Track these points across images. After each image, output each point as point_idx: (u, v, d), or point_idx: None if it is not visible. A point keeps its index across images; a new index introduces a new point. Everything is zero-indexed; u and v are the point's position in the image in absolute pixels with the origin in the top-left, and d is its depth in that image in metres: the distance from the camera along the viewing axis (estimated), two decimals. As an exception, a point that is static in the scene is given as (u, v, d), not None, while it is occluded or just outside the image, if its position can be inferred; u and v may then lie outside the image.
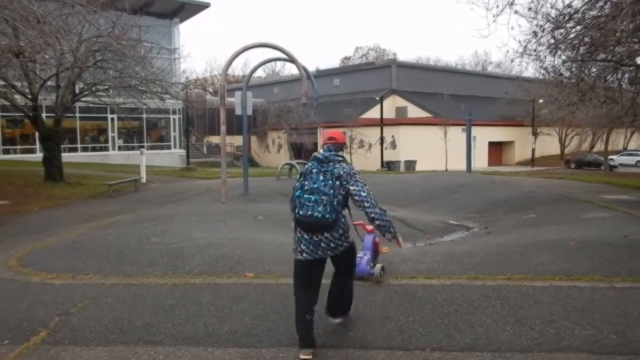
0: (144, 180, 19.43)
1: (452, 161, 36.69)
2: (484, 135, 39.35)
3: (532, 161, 45.79)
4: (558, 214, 10.64)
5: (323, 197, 4.14)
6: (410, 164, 37.79)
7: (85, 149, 32.47)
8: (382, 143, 37.72)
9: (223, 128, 12.60)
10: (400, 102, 47.35)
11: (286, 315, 4.68)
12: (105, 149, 33.19)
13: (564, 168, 44.65)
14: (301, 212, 4.19)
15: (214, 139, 48.33)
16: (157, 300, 5.25)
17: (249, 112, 14.05)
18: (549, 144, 50.07)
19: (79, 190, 16.75)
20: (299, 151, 40.37)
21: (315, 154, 4.42)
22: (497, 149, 48.72)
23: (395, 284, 5.50)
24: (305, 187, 4.23)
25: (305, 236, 4.24)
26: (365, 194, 4.24)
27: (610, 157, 44.72)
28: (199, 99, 44.96)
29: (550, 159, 49.68)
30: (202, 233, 8.30)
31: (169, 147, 36.16)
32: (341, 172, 4.26)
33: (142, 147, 33.18)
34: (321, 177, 4.22)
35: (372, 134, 39.22)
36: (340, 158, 4.39)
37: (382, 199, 12.07)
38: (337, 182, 4.22)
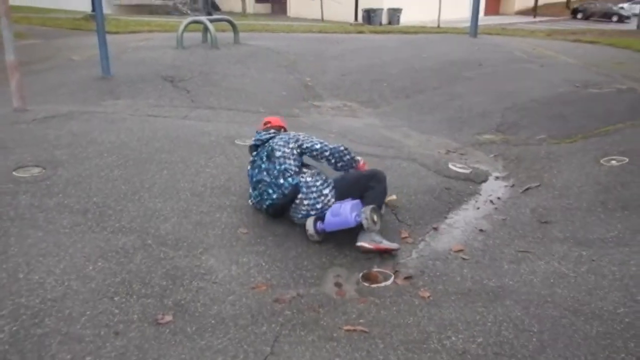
0: (8, 36, 13.15)
1: (446, 12, 29.69)
2: (482, -22, 31.74)
3: (535, 10, 39.06)
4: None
5: (261, 185, 3.73)
6: (394, 14, 30.55)
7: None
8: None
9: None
10: None
11: None
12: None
13: (570, 19, 38.32)
14: (264, 207, 3.77)
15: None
16: None
17: None
18: (552, -10, 42.72)
19: None
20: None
21: (251, 141, 3.96)
22: (495, -4, 41.26)
23: None
24: (252, 187, 3.85)
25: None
26: (319, 146, 3.72)
27: (620, 5, 38.20)
28: None
29: (554, 7, 42.82)
30: None
31: (87, -15, 28.18)
32: (275, 146, 3.69)
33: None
34: (256, 172, 3.78)
35: (347, -27, 31.42)
36: (272, 132, 3.90)
37: (341, 86, 5.52)
38: (279, 164, 3.64)
